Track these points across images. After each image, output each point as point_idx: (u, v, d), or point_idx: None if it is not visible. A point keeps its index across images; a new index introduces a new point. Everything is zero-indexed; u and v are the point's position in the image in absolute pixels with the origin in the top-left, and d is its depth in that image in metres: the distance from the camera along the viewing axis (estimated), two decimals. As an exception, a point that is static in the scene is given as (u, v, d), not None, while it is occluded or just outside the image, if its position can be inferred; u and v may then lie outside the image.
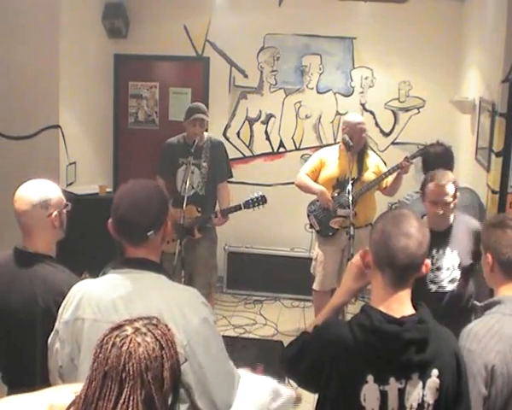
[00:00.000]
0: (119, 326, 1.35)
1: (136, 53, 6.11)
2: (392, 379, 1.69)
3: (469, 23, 5.35)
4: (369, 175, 4.60)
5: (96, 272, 1.96)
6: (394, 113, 5.94)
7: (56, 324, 1.89)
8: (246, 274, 5.99)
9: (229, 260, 6.01)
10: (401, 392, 1.69)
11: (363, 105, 5.96)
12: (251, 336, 5.10)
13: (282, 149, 6.13)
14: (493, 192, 3.92)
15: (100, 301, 1.80)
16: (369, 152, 4.76)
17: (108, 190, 5.18)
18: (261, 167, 6.10)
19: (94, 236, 3.79)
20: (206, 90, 6.12)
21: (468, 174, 4.94)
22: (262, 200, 4.45)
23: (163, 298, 1.78)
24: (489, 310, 2.09)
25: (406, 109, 5.91)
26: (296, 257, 5.84)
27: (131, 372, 1.28)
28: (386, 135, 5.97)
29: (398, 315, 1.71)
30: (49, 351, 1.91)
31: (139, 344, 1.31)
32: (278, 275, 5.87)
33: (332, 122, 5.96)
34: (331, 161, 4.66)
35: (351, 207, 4.05)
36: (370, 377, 1.69)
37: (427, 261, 1.78)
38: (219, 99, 6.09)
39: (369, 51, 5.86)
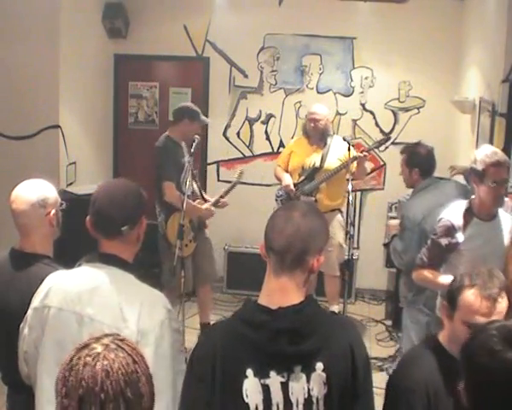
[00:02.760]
0: (86, 345, 1.27)
1: (136, 53, 6.11)
2: (272, 373, 1.62)
3: (469, 23, 5.35)
4: (331, 163, 4.87)
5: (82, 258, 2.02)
6: (394, 113, 5.94)
7: (28, 310, 1.95)
8: (246, 274, 5.98)
9: (229, 260, 6.00)
10: (284, 386, 1.62)
11: (363, 105, 5.96)
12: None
13: (282, 149, 6.11)
14: (493, 192, 3.91)
15: (67, 292, 1.86)
16: (335, 139, 4.99)
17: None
18: (261, 167, 6.09)
19: (94, 235, 3.78)
20: (206, 90, 6.12)
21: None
22: (241, 173, 4.87)
23: (124, 295, 1.83)
24: None
25: (406, 109, 5.91)
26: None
27: (111, 391, 1.19)
28: (386, 135, 5.96)
29: (275, 306, 1.64)
30: (19, 336, 1.98)
31: (113, 360, 1.22)
32: (278, 275, 5.86)
33: (332, 122, 5.94)
34: (297, 150, 5.06)
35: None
36: (250, 372, 1.62)
37: (320, 258, 1.70)
38: (219, 99, 6.09)
39: (369, 51, 5.86)
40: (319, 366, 1.63)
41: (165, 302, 1.89)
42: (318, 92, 6.01)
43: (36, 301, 1.93)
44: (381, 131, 5.97)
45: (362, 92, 5.94)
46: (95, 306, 1.81)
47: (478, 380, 1.50)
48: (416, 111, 5.90)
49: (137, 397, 1.23)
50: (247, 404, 1.62)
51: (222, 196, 4.80)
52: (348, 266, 4.49)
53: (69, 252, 3.02)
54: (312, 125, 4.89)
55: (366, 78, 5.92)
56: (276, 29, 5.94)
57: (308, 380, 1.63)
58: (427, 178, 3.91)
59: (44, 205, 2.31)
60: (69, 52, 5.12)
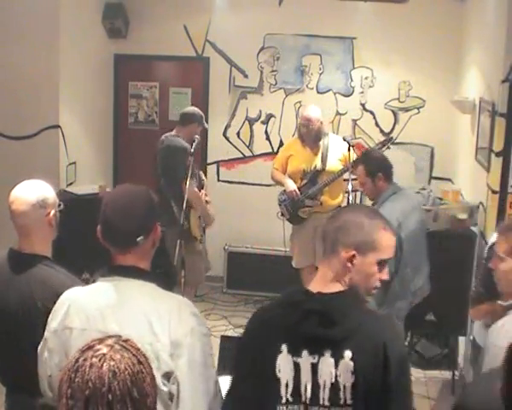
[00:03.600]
0: (90, 347, 1.26)
1: (136, 53, 6.11)
2: (305, 352, 1.69)
3: (469, 23, 5.35)
4: (333, 164, 4.83)
5: (95, 273, 1.94)
6: (394, 113, 5.94)
7: (45, 332, 1.85)
8: (246, 274, 5.99)
9: (229, 260, 6.00)
10: (314, 367, 1.69)
11: (363, 105, 5.96)
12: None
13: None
14: (493, 192, 3.92)
15: (87, 310, 1.77)
16: (332, 139, 4.95)
17: (108, 190, 5.18)
18: (261, 167, 6.09)
19: (94, 236, 3.78)
20: (206, 90, 6.12)
21: (468, 174, 4.94)
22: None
23: (150, 307, 1.75)
24: None
25: (406, 109, 5.91)
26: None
27: (118, 392, 1.19)
28: (387, 135, 5.96)
29: (317, 291, 1.74)
30: (38, 359, 1.88)
31: (120, 361, 1.22)
32: (278, 275, 5.86)
33: (332, 122, 5.96)
34: (296, 153, 4.96)
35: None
36: (284, 347, 1.71)
37: (354, 254, 1.74)
38: (219, 99, 6.09)
39: (369, 51, 5.86)
40: (347, 354, 1.67)
41: (191, 308, 1.83)
42: (318, 92, 6.01)
43: (55, 324, 1.82)
44: (381, 131, 5.97)
45: (362, 92, 5.94)
46: (120, 322, 1.72)
47: None
48: (416, 111, 5.90)
49: (143, 397, 1.23)
50: (279, 379, 1.70)
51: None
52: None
53: (69, 251, 3.03)
54: (305, 129, 4.85)
55: (366, 78, 5.92)
56: (276, 29, 5.94)
57: (336, 366, 1.67)
58: (391, 184, 3.71)
59: (44, 206, 2.30)
60: (69, 52, 5.12)
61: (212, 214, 4.86)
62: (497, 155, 3.88)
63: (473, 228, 4.40)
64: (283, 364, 1.71)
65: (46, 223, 2.31)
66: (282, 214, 5.09)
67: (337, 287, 1.75)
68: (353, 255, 1.74)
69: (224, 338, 4.74)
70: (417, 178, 5.85)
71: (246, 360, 1.77)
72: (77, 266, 2.43)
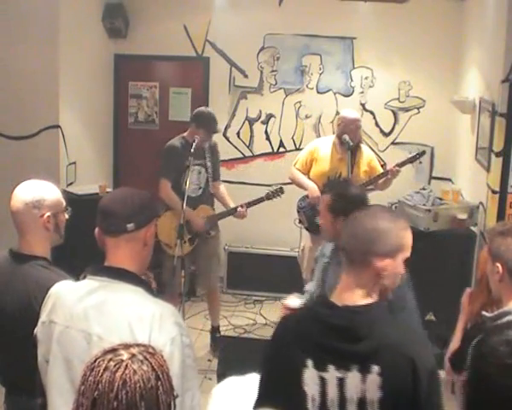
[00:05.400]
0: (114, 350, 1.25)
1: (136, 53, 6.10)
2: (331, 367, 1.68)
3: (469, 23, 5.35)
4: (359, 175, 4.57)
5: (86, 268, 1.96)
6: (394, 113, 5.94)
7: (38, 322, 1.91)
8: (246, 274, 5.99)
9: (229, 260, 6.00)
10: (341, 382, 1.67)
11: (363, 105, 5.96)
12: (251, 336, 5.09)
13: (282, 149, 6.13)
14: (493, 192, 3.92)
15: (72, 308, 1.79)
16: (363, 148, 4.74)
17: (108, 190, 5.17)
18: (261, 167, 6.10)
19: (93, 236, 3.77)
20: (206, 90, 6.12)
21: (468, 174, 4.94)
22: (280, 190, 4.64)
23: (134, 312, 1.74)
24: (500, 320, 2.03)
25: (406, 109, 5.91)
26: (296, 257, 5.83)
27: (124, 401, 1.18)
28: (387, 135, 5.97)
29: (342, 303, 1.71)
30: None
31: (135, 372, 1.21)
32: (278, 275, 5.86)
33: (332, 122, 5.95)
34: (323, 155, 4.62)
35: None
36: (310, 362, 1.70)
37: (387, 260, 1.72)
38: (219, 99, 6.08)
39: (369, 51, 5.86)
40: (375, 369, 1.65)
41: (176, 317, 1.81)
42: (318, 92, 6.00)
43: (43, 316, 1.87)
44: (381, 131, 5.97)
45: (362, 92, 5.94)
46: (103, 324, 1.74)
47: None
48: (416, 111, 5.90)
49: None
50: (306, 393, 1.70)
51: (242, 206, 4.60)
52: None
53: (69, 252, 3.03)
54: (353, 127, 4.47)
55: (366, 78, 5.92)
56: (276, 29, 5.94)
57: (363, 381, 1.66)
58: None
59: (39, 206, 2.25)
60: (69, 52, 5.12)
61: (197, 222, 4.53)
62: (497, 155, 3.88)
63: (473, 228, 4.40)
64: (309, 378, 1.70)
65: (40, 224, 2.26)
66: (300, 221, 4.80)
67: (364, 299, 1.73)
68: (388, 263, 1.73)
69: (224, 338, 4.75)
70: (417, 178, 5.85)
71: (273, 371, 1.76)
72: (76, 266, 2.42)
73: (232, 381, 2.86)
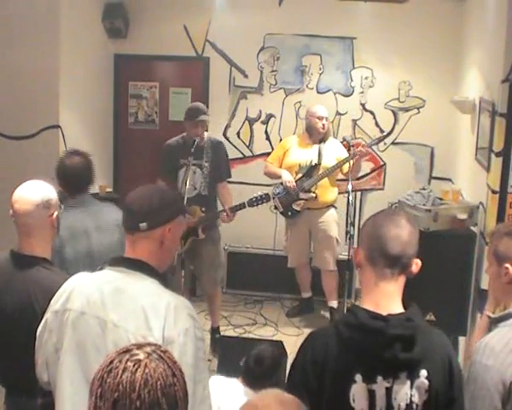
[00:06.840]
0: (128, 350, 1.26)
1: (136, 53, 6.11)
2: (379, 378, 1.67)
3: (469, 23, 5.35)
4: (329, 161, 5.03)
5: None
6: (394, 113, 5.94)
7: (46, 314, 1.89)
8: (246, 274, 5.99)
9: (229, 260, 6.00)
10: (388, 391, 1.68)
11: (363, 105, 5.96)
12: (251, 336, 5.10)
13: (282, 149, 6.13)
14: (493, 192, 3.92)
15: (89, 296, 1.81)
16: (331, 141, 5.25)
17: (108, 189, 5.18)
18: (261, 167, 6.07)
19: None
20: (206, 90, 6.12)
21: (468, 174, 4.94)
22: (265, 198, 4.58)
23: (149, 302, 1.77)
24: (503, 322, 2.02)
25: (406, 109, 5.91)
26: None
27: (147, 400, 1.19)
28: (387, 135, 5.97)
29: (385, 312, 1.69)
30: (37, 342, 1.90)
31: (154, 370, 1.22)
32: (278, 275, 5.86)
33: (332, 122, 5.96)
34: (292, 148, 5.19)
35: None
36: (359, 377, 1.67)
37: (418, 261, 1.77)
38: (219, 99, 6.08)
39: (369, 51, 5.86)
40: (423, 373, 1.68)
41: (190, 310, 1.84)
42: (318, 92, 6.01)
43: (57, 305, 1.87)
44: (381, 131, 5.97)
45: (362, 92, 5.94)
46: (119, 312, 1.76)
47: None
48: (415, 111, 5.90)
49: (172, 409, 1.22)
50: (353, 408, 1.68)
51: (224, 210, 4.51)
52: (348, 266, 4.51)
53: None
54: (321, 125, 5.09)
55: (366, 78, 5.92)
56: (276, 29, 5.94)
57: (412, 386, 1.68)
58: None
59: (48, 206, 2.30)
60: (69, 52, 5.12)
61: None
62: (497, 155, 3.88)
63: (473, 228, 4.40)
64: (358, 393, 1.68)
65: (48, 224, 2.31)
66: (276, 207, 5.22)
67: (400, 307, 1.73)
68: (417, 263, 1.77)
69: (224, 338, 4.75)
70: (417, 178, 5.85)
71: (313, 396, 1.68)
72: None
73: (215, 380, 2.85)
